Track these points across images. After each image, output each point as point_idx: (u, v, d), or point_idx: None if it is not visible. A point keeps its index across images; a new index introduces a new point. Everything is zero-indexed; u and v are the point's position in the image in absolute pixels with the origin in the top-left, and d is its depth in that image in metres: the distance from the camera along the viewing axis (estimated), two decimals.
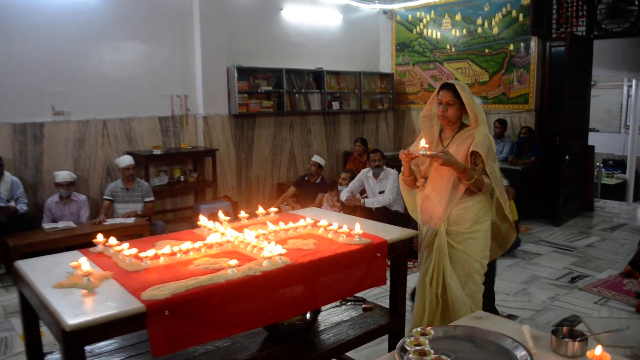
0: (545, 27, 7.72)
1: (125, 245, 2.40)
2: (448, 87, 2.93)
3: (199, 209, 6.78)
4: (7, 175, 5.72)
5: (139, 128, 6.90)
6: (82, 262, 2.13)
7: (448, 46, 9.00)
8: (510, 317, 4.20)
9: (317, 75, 8.46)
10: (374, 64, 9.89)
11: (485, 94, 8.52)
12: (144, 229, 5.64)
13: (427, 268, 3.10)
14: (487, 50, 8.49)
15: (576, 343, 1.64)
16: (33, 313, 2.37)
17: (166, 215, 7.18)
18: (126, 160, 6.03)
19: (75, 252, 2.47)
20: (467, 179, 2.85)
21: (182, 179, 7.14)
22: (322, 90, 8.47)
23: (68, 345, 1.73)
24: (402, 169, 3.18)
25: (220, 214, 2.81)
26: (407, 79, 9.74)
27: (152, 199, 6.18)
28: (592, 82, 8.39)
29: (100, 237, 2.51)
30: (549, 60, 7.93)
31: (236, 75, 7.38)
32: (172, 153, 6.94)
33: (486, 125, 2.99)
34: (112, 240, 2.48)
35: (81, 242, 5.12)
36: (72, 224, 5.60)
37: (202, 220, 2.79)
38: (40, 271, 2.19)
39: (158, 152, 6.72)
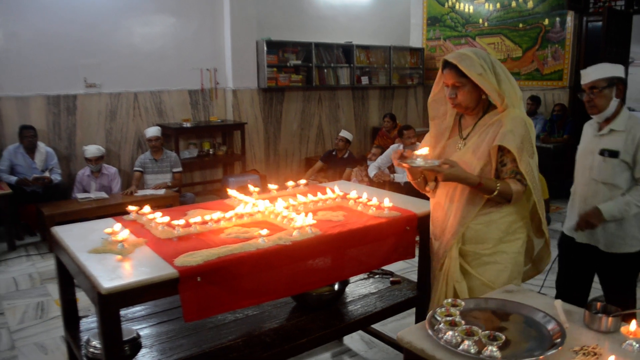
0: (582, 1, 7.48)
1: (158, 213, 2.44)
2: (450, 66, 2.23)
3: (228, 181, 6.84)
4: (42, 146, 5.85)
5: (169, 101, 6.96)
6: (117, 229, 2.17)
7: (480, 20, 8.79)
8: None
9: (347, 50, 8.38)
10: (404, 39, 9.74)
11: (518, 70, 8.33)
12: (174, 200, 5.72)
13: (435, 298, 2.47)
14: (520, 25, 8.27)
15: (610, 318, 1.62)
16: (69, 278, 2.44)
17: (195, 187, 7.27)
18: (151, 132, 6.10)
19: (110, 220, 2.52)
20: (487, 193, 2.21)
21: (211, 152, 7.20)
22: (351, 65, 8.39)
23: (104, 308, 1.77)
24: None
25: (250, 186, 2.82)
26: (438, 54, 9.57)
27: (180, 169, 6.26)
28: (630, 59, 8.12)
29: (133, 207, 2.56)
30: (585, 35, 7.69)
31: (265, 48, 7.36)
32: (202, 126, 6.99)
33: (522, 105, 2.30)
34: (146, 208, 2.52)
35: (113, 212, 5.21)
36: (104, 195, 5.72)
37: (232, 192, 2.81)
38: (76, 237, 2.24)
39: (188, 125, 6.79)
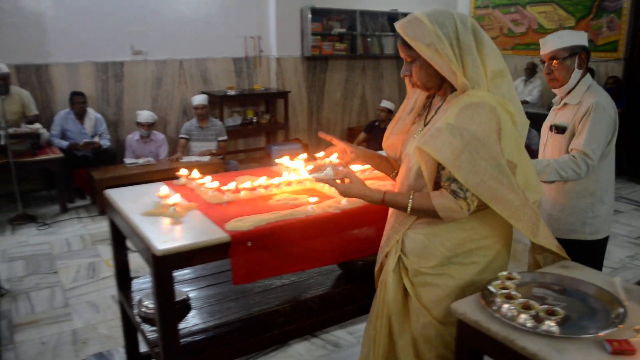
0: None
1: (208, 178, 2.47)
2: (399, 36, 1.74)
3: (271, 150, 6.88)
4: (91, 112, 5.98)
5: (214, 68, 6.99)
6: (169, 193, 2.21)
7: None
8: None
9: (392, 18, 8.20)
10: (451, 7, 9.45)
11: None
12: (218, 167, 5.80)
13: (371, 315, 2.01)
14: None
15: None
16: (122, 239, 2.50)
17: (238, 155, 7.34)
18: (198, 100, 6.16)
19: (160, 184, 2.56)
20: (400, 209, 1.77)
21: (254, 120, 7.23)
22: (396, 34, 8.20)
23: (158, 269, 1.81)
24: None
25: (301, 154, 2.82)
26: (486, 23, 9.26)
27: (225, 137, 6.32)
28: None
29: (183, 171, 2.59)
30: None
31: (310, 16, 7.27)
32: (246, 94, 7.01)
33: (503, 84, 1.70)
34: (195, 173, 2.55)
35: (159, 178, 5.31)
36: (152, 160, 5.84)
37: (281, 160, 2.81)
38: (129, 200, 2.29)
39: (232, 92, 6.82)
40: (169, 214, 2.08)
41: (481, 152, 1.59)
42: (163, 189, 2.33)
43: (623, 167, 7.26)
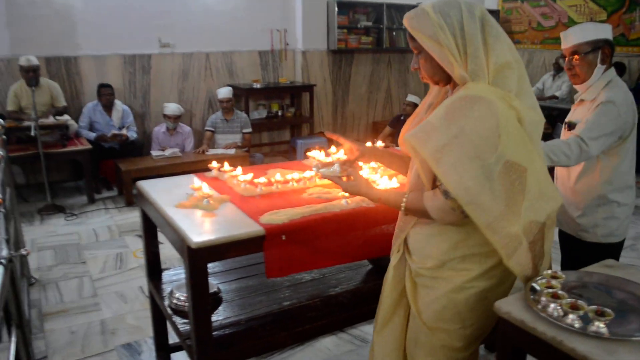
0: None
1: (239, 170, 2.45)
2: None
3: (295, 143, 6.86)
4: (118, 104, 6.03)
5: (240, 61, 6.98)
6: (202, 185, 2.20)
7: None
8: None
9: None
10: (479, 0, 9.32)
11: None
12: (243, 160, 5.80)
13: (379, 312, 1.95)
14: None
15: None
16: (153, 231, 2.51)
17: (262, 148, 7.34)
18: (223, 93, 6.15)
19: (191, 176, 2.55)
20: (397, 208, 1.73)
21: (279, 114, 7.21)
22: None
23: (193, 262, 1.80)
24: None
25: (333, 148, 2.78)
26: (514, 17, 9.11)
27: (250, 130, 6.32)
28: None
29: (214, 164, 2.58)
30: None
31: (336, 9, 7.21)
32: (271, 87, 7.00)
33: (508, 79, 1.54)
34: (226, 166, 2.54)
35: (186, 170, 5.34)
36: (178, 153, 5.87)
37: (312, 153, 2.79)
38: (161, 191, 2.29)
39: (258, 85, 6.81)
40: (202, 206, 2.07)
41: (466, 149, 1.46)
42: (196, 181, 2.32)
43: None
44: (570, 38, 2.31)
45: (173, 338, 2.74)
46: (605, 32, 2.30)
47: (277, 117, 7.20)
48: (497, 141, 1.45)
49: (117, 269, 4.03)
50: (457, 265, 1.64)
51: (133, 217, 5.11)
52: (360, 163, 2.10)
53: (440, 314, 1.67)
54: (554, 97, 7.44)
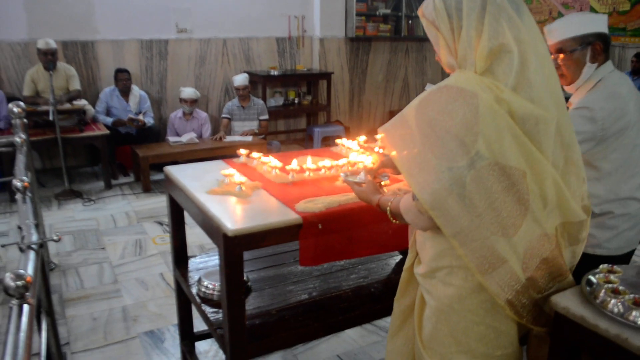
0: None
1: (270, 157, 2.39)
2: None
3: (312, 131, 6.79)
4: (135, 89, 5.98)
5: (257, 48, 6.91)
6: (234, 172, 2.14)
7: None
8: None
9: None
10: None
11: (623, 25, 7.65)
12: (261, 148, 5.73)
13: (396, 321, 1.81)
14: None
15: None
16: (180, 217, 2.46)
17: (278, 136, 7.28)
18: (239, 80, 6.09)
19: (219, 162, 2.50)
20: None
21: (296, 101, 7.14)
22: None
23: (229, 249, 1.75)
24: None
25: (362, 136, 2.72)
26: (535, 6, 8.94)
27: (266, 117, 6.26)
28: None
29: (242, 150, 2.52)
30: None
31: None
32: (288, 74, 6.92)
33: (504, 63, 1.31)
34: (255, 153, 2.48)
35: (203, 157, 5.30)
36: (195, 139, 5.81)
37: (341, 141, 2.72)
38: (191, 177, 2.23)
39: (274, 72, 6.74)
40: (235, 193, 2.01)
41: (434, 148, 1.29)
42: (222, 167, 2.27)
43: None
44: (555, 33, 2.00)
45: (197, 327, 2.70)
46: (595, 24, 1.97)
47: (294, 104, 7.13)
48: (472, 140, 1.25)
49: (137, 255, 4.00)
50: (445, 278, 1.45)
51: (151, 203, 5.07)
52: (386, 173, 2.02)
53: (432, 334, 1.51)
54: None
